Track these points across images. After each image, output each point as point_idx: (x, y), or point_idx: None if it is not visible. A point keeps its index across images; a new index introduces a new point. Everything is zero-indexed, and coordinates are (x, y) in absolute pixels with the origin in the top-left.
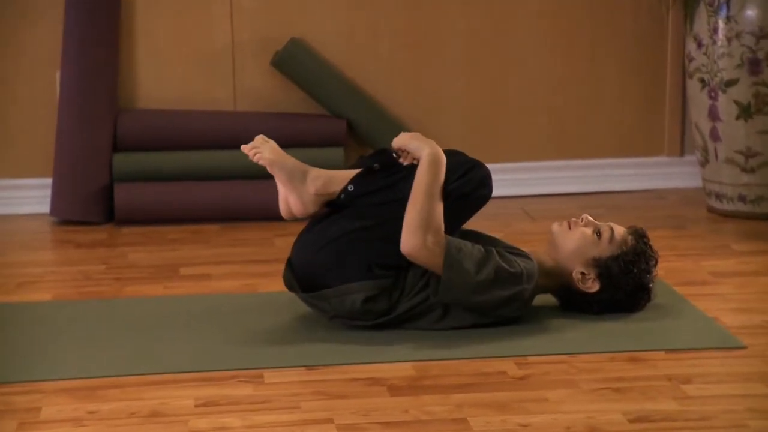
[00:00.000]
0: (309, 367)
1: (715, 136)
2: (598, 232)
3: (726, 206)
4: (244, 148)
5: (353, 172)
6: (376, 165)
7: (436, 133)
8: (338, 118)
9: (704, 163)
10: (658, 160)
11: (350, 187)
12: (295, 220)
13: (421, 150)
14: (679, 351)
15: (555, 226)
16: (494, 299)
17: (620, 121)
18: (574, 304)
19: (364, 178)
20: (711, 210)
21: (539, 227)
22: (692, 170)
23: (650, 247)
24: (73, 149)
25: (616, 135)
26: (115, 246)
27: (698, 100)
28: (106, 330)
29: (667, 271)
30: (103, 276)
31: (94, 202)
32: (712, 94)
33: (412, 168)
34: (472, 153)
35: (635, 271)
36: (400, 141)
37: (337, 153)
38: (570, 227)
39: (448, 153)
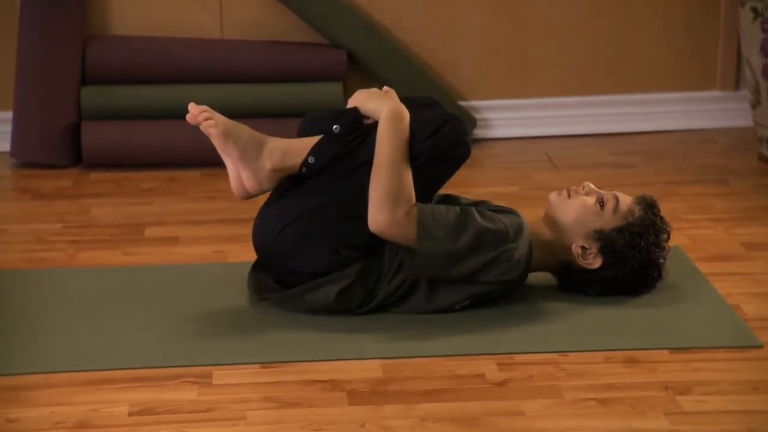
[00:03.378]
0: (264, 364)
1: (767, 74)
2: (601, 202)
3: None
4: (192, 109)
5: (313, 141)
6: (336, 127)
7: (452, 65)
8: (338, 48)
9: (755, 104)
10: (709, 95)
11: (311, 159)
12: (249, 197)
13: (379, 110)
14: (684, 350)
15: (553, 196)
16: (478, 265)
17: (665, 51)
18: (574, 283)
19: (325, 145)
20: (762, 158)
21: (563, 179)
22: (748, 107)
23: (661, 218)
24: (35, 81)
25: (659, 66)
26: (78, 197)
27: (750, 32)
28: (46, 312)
29: (694, 240)
30: (58, 237)
31: (60, 143)
32: (766, 26)
33: (375, 126)
34: (494, 88)
35: (642, 244)
36: (355, 101)
37: (336, 88)
38: (570, 196)
39: (417, 104)
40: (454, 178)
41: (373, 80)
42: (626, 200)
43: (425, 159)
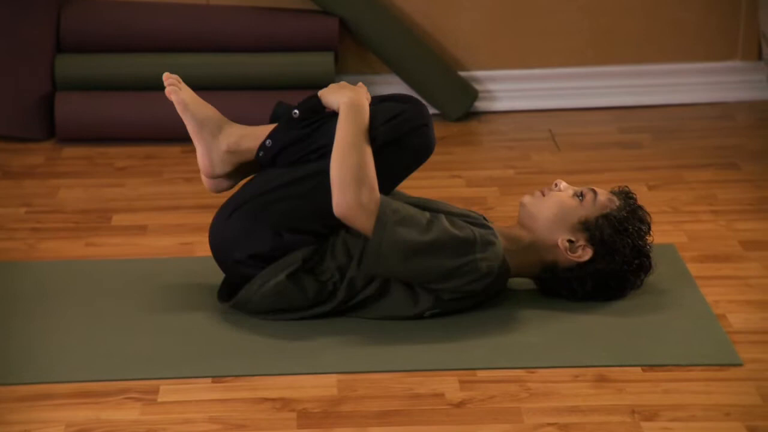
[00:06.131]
0: (216, 378)
1: None
2: (579, 195)
3: None
4: (165, 78)
5: (272, 126)
6: (295, 112)
7: (453, 33)
8: (330, 15)
9: None
10: (730, 65)
11: (268, 142)
12: (219, 192)
13: (339, 101)
14: (659, 368)
15: (526, 198)
16: (438, 269)
17: (682, 17)
18: (561, 285)
19: (283, 129)
20: None
21: (563, 161)
22: None
23: (640, 206)
24: (6, 49)
25: (675, 34)
26: (48, 177)
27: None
28: None
29: (691, 236)
30: (20, 225)
31: (32, 115)
32: None
33: (334, 114)
34: (497, 58)
35: (630, 229)
36: (321, 92)
37: (327, 58)
38: (544, 195)
39: (384, 98)
40: (448, 159)
41: (367, 49)
42: (603, 191)
43: (382, 142)
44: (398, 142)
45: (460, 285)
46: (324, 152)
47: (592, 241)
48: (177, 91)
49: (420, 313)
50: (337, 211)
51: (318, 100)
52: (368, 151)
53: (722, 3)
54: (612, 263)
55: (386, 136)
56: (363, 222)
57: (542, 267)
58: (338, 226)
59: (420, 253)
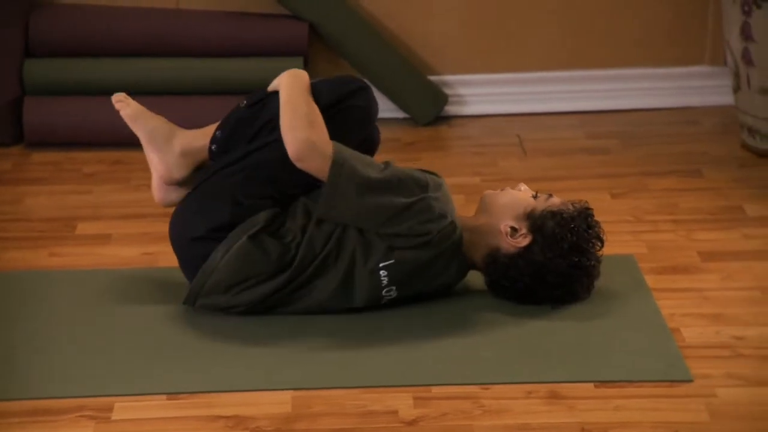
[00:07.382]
0: (171, 395)
1: (747, 59)
2: (535, 195)
3: (760, 144)
4: (114, 97)
5: None
6: (243, 102)
7: (423, 37)
8: (299, 20)
9: (736, 89)
10: (697, 70)
11: (218, 133)
12: (168, 205)
13: (280, 78)
14: (610, 384)
15: (488, 191)
16: (392, 206)
17: (650, 23)
18: (503, 273)
19: (231, 117)
20: (745, 146)
21: (529, 168)
22: None
23: (596, 221)
24: None
25: (644, 39)
26: (15, 183)
27: (731, 13)
28: None
29: (651, 247)
30: None
31: (1, 120)
32: (746, 8)
33: (277, 93)
34: (468, 62)
35: (573, 227)
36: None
37: (297, 63)
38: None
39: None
40: (416, 165)
41: (338, 54)
42: (560, 198)
43: (325, 103)
44: (339, 104)
45: (413, 225)
46: (273, 126)
47: (532, 228)
48: (125, 107)
49: (374, 268)
50: (290, 151)
51: (263, 91)
52: (314, 105)
53: (690, 8)
54: (549, 254)
55: (328, 96)
56: (318, 162)
57: (487, 252)
58: (297, 191)
59: (375, 190)
